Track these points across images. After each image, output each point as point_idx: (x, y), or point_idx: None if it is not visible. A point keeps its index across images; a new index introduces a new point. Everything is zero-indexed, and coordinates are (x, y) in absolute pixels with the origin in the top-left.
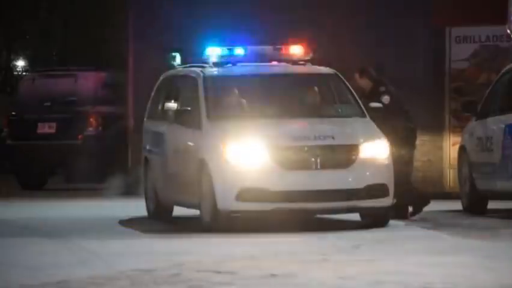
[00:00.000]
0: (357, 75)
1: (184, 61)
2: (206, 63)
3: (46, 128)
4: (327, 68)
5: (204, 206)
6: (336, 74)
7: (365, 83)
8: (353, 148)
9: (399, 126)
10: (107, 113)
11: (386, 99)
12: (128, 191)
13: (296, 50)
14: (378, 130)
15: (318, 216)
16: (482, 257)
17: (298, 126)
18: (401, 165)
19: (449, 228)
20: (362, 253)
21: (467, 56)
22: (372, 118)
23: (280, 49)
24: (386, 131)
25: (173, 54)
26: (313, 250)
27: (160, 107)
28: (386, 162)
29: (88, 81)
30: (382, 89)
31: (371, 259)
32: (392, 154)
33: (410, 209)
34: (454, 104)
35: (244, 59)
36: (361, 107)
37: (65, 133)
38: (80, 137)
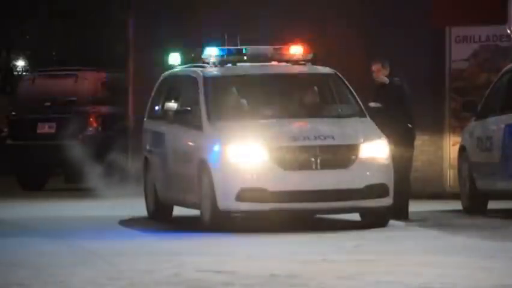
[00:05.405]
0: (379, 66)
1: (183, 61)
2: (206, 63)
3: (46, 128)
4: (327, 68)
5: (204, 206)
6: (336, 74)
7: (382, 77)
8: (353, 148)
9: (398, 126)
10: (107, 113)
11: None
12: (128, 191)
13: (296, 50)
14: (378, 130)
15: (318, 216)
16: (482, 257)
17: (298, 126)
18: (400, 165)
19: (449, 228)
20: (362, 253)
21: (467, 56)
22: (373, 117)
23: (280, 49)
24: (385, 131)
25: (173, 54)
26: (313, 250)
27: (160, 107)
28: (386, 162)
29: (88, 81)
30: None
31: (371, 259)
32: (392, 154)
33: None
34: (454, 104)
35: (244, 59)
36: (361, 107)
37: (65, 133)
38: (80, 137)
